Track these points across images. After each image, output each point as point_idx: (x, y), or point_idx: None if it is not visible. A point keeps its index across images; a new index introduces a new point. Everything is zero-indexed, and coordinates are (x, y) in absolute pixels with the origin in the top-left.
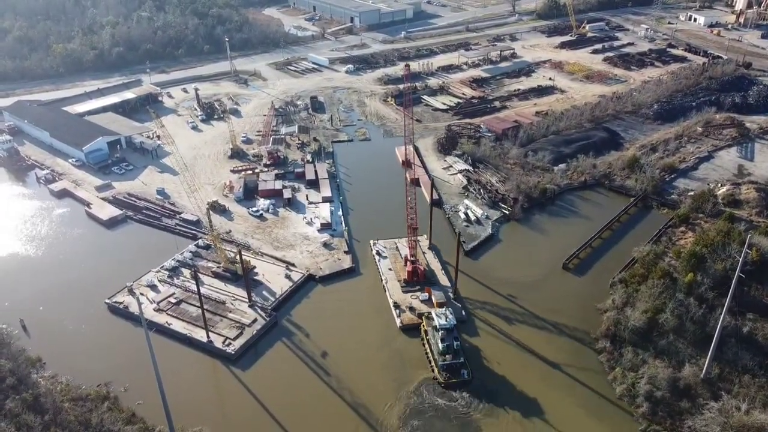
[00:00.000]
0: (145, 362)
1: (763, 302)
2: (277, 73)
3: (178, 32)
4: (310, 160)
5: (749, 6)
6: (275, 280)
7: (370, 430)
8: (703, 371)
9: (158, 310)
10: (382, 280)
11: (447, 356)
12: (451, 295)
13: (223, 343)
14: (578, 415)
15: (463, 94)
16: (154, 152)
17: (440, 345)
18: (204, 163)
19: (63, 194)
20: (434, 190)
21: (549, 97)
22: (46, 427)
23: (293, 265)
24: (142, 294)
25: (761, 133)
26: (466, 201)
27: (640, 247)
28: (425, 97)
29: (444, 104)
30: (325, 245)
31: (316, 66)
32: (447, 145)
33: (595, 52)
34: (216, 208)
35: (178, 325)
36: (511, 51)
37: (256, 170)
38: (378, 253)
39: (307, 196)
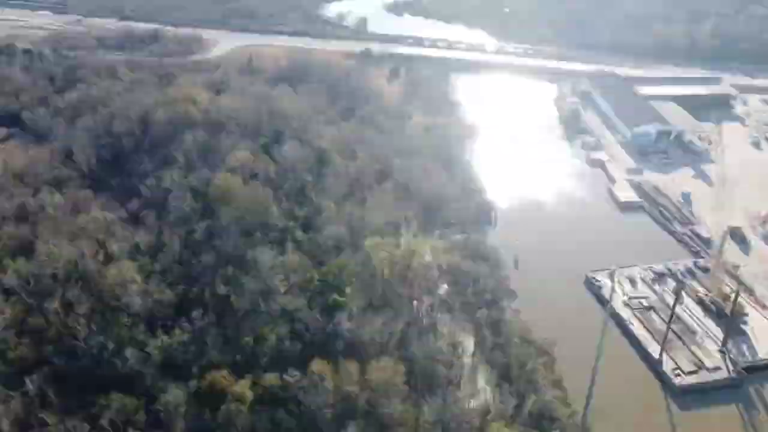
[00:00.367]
0: (593, 345)
1: None
2: None
3: None
4: None
5: None
6: (764, 341)
7: None
8: None
9: (626, 305)
10: None
11: None
12: None
13: (673, 370)
14: None
15: None
16: (701, 155)
17: None
18: (748, 184)
19: (596, 164)
20: None
21: None
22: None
23: None
24: (619, 283)
25: None
26: None
27: None
28: None
29: None
30: None
31: None
32: None
33: None
34: (737, 235)
35: (638, 327)
36: None
37: None
38: None
39: None
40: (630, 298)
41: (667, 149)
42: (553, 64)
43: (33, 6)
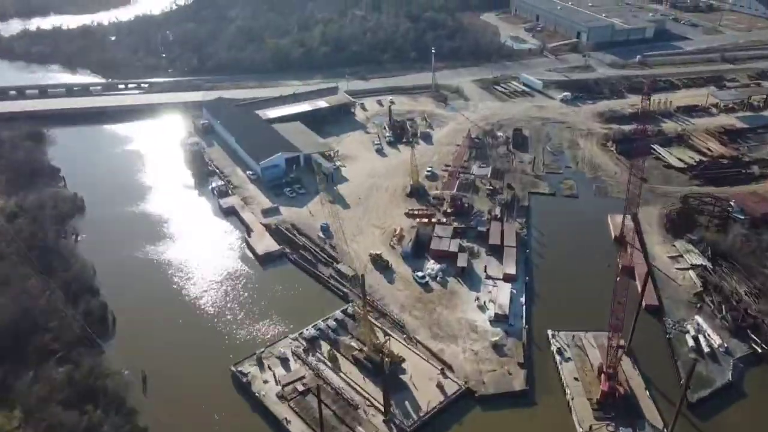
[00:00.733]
0: None
1: None
2: (481, 93)
3: (388, 35)
4: (499, 215)
5: None
6: (423, 387)
7: None
8: None
9: (281, 397)
10: (566, 394)
11: None
12: None
13: None
14: None
15: (708, 149)
16: (331, 177)
17: None
18: (379, 198)
19: (230, 212)
20: (653, 290)
21: None
22: None
23: (450, 369)
24: (269, 369)
25: None
26: (698, 318)
27: None
28: (656, 147)
29: (680, 160)
30: (496, 347)
31: (527, 89)
32: (679, 224)
33: None
34: (378, 262)
35: (296, 426)
36: None
37: (434, 219)
38: (559, 352)
39: (485, 267)
40: (284, 386)
41: (299, 177)
42: (168, 97)
43: None
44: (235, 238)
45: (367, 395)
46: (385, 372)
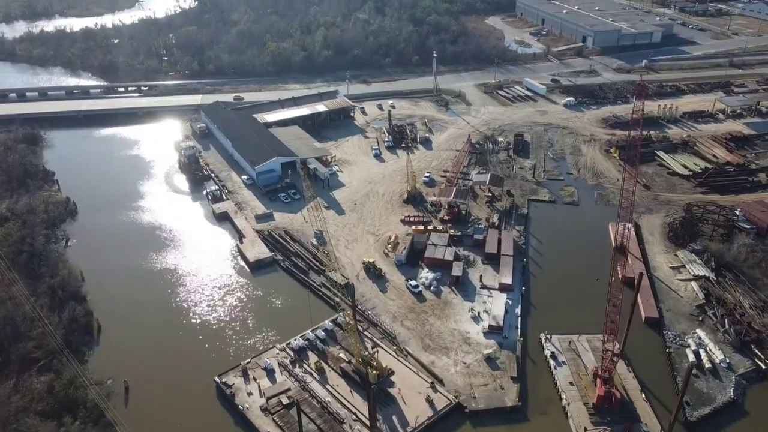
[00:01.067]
0: None
1: None
2: (483, 98)
3: (390, 38)
4: (497, 223)
5: None
6: (413, 401)
7: None
8: None
9: (265, 410)
10: (561, 399)
11: None
12: None
13: None
14: None
15: (715, 156)
16: (326, 182)
17: None
18: (375, 204)
19: (223, 218)
20: (653, 302)
21: None
22: None
23: (441, 382)
24: (255, 380)
25: None
26: (699, 332)
27: None
28: (661, 153)
29: (685, 167)
30: (489, 360)
31: (530, 93)
32: (682, 233)
33: None
34: (371, 270)
35: None
36: None
37: (430, 226)
38: (553, 357)
39: (481, 276)
40: (269, 398)
41: (294, 182)
42: (167, 100)
43: None
44: (228, 244)
45: (354, 409)
46: (371, 384)
